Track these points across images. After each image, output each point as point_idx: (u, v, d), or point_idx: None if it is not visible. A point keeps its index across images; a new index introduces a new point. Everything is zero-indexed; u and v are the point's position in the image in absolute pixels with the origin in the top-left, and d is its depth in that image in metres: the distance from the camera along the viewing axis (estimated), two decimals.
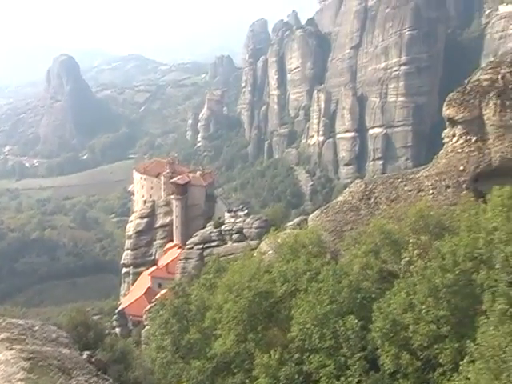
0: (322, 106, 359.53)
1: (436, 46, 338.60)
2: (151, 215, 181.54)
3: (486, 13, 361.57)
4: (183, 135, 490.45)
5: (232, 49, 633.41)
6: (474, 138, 51.08)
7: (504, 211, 36.99)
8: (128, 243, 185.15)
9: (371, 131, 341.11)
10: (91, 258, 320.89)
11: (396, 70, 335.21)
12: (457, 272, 35.88)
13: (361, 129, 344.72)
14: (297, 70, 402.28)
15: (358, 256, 42.68)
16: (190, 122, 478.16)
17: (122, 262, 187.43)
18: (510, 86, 50.03)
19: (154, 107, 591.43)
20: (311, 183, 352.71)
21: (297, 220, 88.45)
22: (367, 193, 54.76)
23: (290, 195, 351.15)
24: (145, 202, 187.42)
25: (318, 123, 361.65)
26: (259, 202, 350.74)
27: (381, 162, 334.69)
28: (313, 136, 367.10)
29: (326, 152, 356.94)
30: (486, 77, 51.94)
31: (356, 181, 61.32)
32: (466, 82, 53.86)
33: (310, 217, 59.50)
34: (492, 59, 63.72)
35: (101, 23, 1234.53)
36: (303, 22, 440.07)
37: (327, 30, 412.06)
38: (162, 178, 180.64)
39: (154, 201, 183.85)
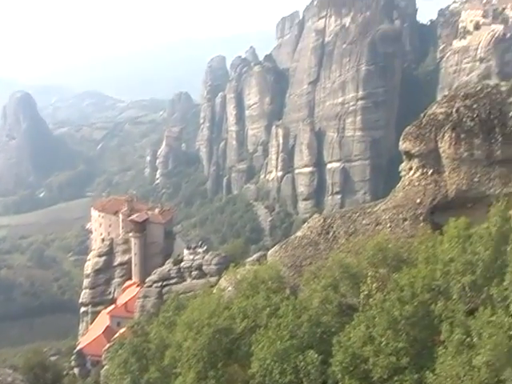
0: (281, 141, 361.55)
1: (392, 80, 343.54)
2: (109, 253, 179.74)
3: (441, 47, 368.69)
4: (141, 172, 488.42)
5: (190, 85, 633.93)
6: (431, 171, 51.77)
7: (460, 242, 37.52)
8: (86, 282, 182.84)
9: (329, 165, 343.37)
10: (48, 298, 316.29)
11: (353, 105, 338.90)
12: (415, 304, 36.21)
13: (319, 163, 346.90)
14: (255, 105, 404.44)
15: (317, 290, 42.81)
16: (148, 158, 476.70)
17: (80, 301, 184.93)
18: (464, 120, 50.93)
19: (111, 144, 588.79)
20: (270, 218, 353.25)
21: (256, 256, 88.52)
22: (326, 227, 55.04)
23: (249, 231, 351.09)
24: (103, 240, 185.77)
25: (277, 158, 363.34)
26: (218, 238, 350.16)
27: (339, 196, 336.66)
28: (271, 171, 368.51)
29: (284, 187, 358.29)
30: (441, 110, 52.84)
31: (314, 215, 61.58)
32: (421, 115, 54.67)
33: (269, 252, 59.53)
34: (447, 93, 64.75)
35: (58, 59, 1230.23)
36: (261, 57, 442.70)
37: (285, 65, 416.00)
38: (121, 215, 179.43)
39: (112, 239, 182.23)
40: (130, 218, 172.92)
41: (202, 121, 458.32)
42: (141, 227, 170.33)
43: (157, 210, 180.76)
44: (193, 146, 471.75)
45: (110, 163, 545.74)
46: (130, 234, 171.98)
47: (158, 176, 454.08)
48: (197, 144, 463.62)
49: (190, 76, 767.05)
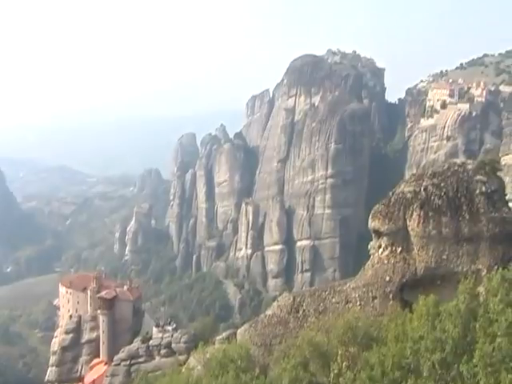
0: (250, 218, 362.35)
1: (361, 158, 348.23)
2: (77, 330, 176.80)
3: (409, 126, 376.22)
4: (111, 248, 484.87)
5: (160, 162, 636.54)
6: (400, 249, 52.03)
7: (429, 320, 37.57)
8: (53, 359, 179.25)
9: (299, 243, 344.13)
10: (13, 375, 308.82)
11: (323, 183, 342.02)
12: (385, 382, 35.99)
13: (289, 241, 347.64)
14: (225, 183, 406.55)
15: (287, 369, 42.37)
16: (117, 234, 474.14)
17: (46, 378, 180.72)
18: (432, 198, 51.49)
19: (81, 219, 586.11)
20: (240, 296, 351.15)
21: (225, 334, 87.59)
22: (295, 306, 54.81)
23: (219, 308, 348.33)
24: (71, 316, 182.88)
25: (247, 236, 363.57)
26: (187, 315, 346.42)
27: (309, 273, 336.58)
28: (241, 249, 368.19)
29: (254, 264, 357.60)
30: (410, 189, 53.39)
31: (284, 294, 61.38)
32: (390, 194, 55.18)
33: (239, 331, 59.04)
34: (415, 171, 65.75)
35: (29, 133, 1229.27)
36: (231, 135, 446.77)
37: (255, 143, 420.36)
38: (89, 292, 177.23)
39: (80, 316, 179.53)
40: (99, 294, 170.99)
41: (171, 197, 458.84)
42: (109, 304, 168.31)
43: (125, 287, 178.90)
44: (162, 222, 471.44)
45: (79, 238, 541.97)
46: (98, 311, 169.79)
47: (127, 252, 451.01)
48: (166, 220, 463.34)
49: (161, 152, 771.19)
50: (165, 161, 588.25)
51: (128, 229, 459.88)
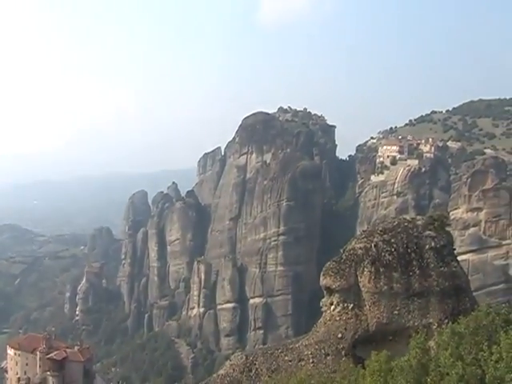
0: (203, 277, 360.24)
1: (313, 215, 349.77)
2: None
3: (360, 182, 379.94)
4: (61, 308, 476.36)
5: (111, 220, 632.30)
6: (351, 306, 52.22)
7: (382, 376, 37.62)
8: None
9: (252, 301, 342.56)
10: None
11: (275, 240, 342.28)
12: None
13: (241, 299, 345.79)
14: (177, 241, 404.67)
15: None
16: (67, 294, 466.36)
17: None
18: (382, 254, 52.00)
19: (30, 279, 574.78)
20: (192, 355, 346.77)
21: None
22: (248, 365, 54.43)
23: (171, 368, 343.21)
24: (19, 379, 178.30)
25: (199, 294, 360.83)
26: (140, 376, 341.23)
27: (262, 331, 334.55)
28: (193, 307, 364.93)
29: (206, 323, 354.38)
30: (361, 245, 53.86)
31: (236, 353, 60.99)
32: (341, 250, 55.52)
33: None
34: (366, 227, 66.33)
35: None
36: (183, 194, 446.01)
37: (207, 201, 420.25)
38: (38, 353, 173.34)
39: (28, 378, 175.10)
40: (48, 356, 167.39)
41: (123, 256, 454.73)
42: (59, 366, 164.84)
43: (76, 348, 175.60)
44: (114, 281, 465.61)
45: (29, 299, 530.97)
46: (48, 373, 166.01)
47: (77, 312, 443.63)
48: (118, 280, 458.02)
49: (112, 211, 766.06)
50: (116, 219, 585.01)
51: (79, 289, 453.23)
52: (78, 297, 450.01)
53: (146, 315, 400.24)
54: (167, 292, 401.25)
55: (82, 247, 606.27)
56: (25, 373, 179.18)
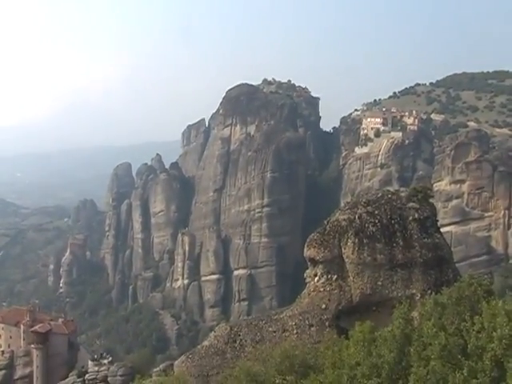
0: (187, 248, 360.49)
1: (297, 187, 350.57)
2: (10, 367, 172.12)
3: (343, 154, 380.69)
4: (45, 281, 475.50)
5: (96, 193, 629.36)
6: (335, 277, 52.44)
7: (365, 346, 37.88)
8: None
9: (236, 272, 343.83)
10: None
11: (259, 212, 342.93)
12: None
13: (225, 270, 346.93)
14: (161, 213, 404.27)
15: None
16: (51, 267, 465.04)
17: None
18: (366, 225, 52.14)
19: (13, 252, 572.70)
20: (177, 327, 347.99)
21: (162, 366, 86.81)
22: (232, 336, 54.62)
23: (156, 340, 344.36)
24: (2, 352, 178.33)
25: (183, 266, 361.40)
26: (124, 348, 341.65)
27: (246, 302, 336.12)
28: (178, 279, 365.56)
29: (191, 295, 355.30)
30: (344, 217, 53.94)
31: (221, 324, 61.25)
32: (325, 222, 55.61)
33: (176, 362, 58.57)
34: (350, 199, 66.51)
35: None
36: (167, 165, 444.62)
37: (191, 173, 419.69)
38: (22, 326, 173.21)
39: (12, 351, 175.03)
40: (32, 328, 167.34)
41: (107, 228, 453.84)
42: (43, 338, 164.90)
43: (60, 320, 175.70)
44: (98, 254, 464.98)
45: (12, 271, 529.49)
46: (32, 346, 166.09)
47: (61, 285, 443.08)
48: (102, 252, 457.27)
49: (96, 183, 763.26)
50: (100, 192, 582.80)
51: (62, 261, 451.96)
52: (61, 269, 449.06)
53: (130, 287, 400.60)
54: (151, 264, 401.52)
55: (66, 219, 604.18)
56: (8, 346, 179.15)
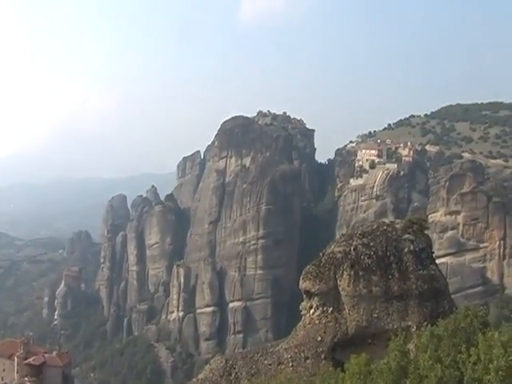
0: (182, 280, 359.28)
1: (292, 219, 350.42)
2: None
3: (339, 186, 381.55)
4: (39, 313, 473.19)
5: (90, 224, 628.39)
6: (331, 309, 52.43)
7: (361, 378, 37.84)
8: None
9: (231, 305, 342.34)
10: None
11: (254, 244, 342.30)
12: None
13: (221, 303, 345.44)
14: (156, 245, 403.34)
15: None
16: (46, 299, 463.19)
17: None
18: (362, 257, 52.26)
19: (7, 284, 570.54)
20: (172, 360, 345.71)
21: None
22: (228, 369, 54.44)
23: (151, 373, 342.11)
24: None
25: (178, 298, 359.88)
26: (119, 380, 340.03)
27: (241, 335, 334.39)
28: (173, 311, 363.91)
29: (186, 327, 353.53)
30: (340, 249, 54.09)
31: (216, 357, 61.01)
32: (320, 254, 55.70)
33: None
34: (345, 231, 66.70)
35: None
36: (162, 197, 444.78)
37: (186, 205, 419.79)
38: (16, 359, 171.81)
39: None
40: (26, 361, 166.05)
41: (102, 260, 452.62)
42: (37, 371, 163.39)
43: (54, 353, 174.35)
44: (93, 286, 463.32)
45: (6, 303, 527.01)
46: (26, 379, 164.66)
47: (56, 317, 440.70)
48: (97, 284, 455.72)
49: (90, 215, 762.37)
50: (95, 223, 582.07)
51: (57, 293, 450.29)
52: (56, 301, 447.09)
53: (125, 319, 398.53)
54: (146, 296, 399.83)
55: (61, 251, 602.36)
56: (2, 378, 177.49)
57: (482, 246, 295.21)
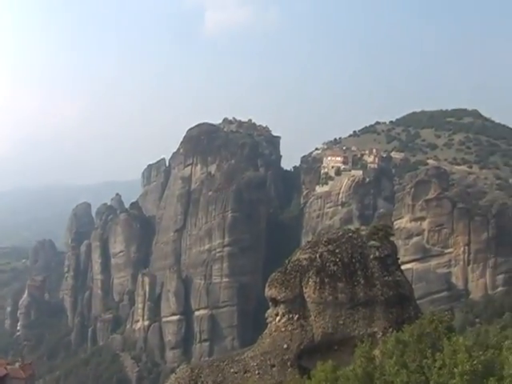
0: (147, 289, 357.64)
1: (258, 226, 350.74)
2: None
3: (304, 193, 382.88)
4: (1, 324, 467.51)
5: (53, 233, 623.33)
6: (297, 316, 52.48)
7: None
8: None
9: (197, 313, 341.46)
10: None
11: (220, 252, 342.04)
12: None
13: (186, 311, 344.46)
14: (121, 253, 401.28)
15: None
16: (8, 309, 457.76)
17: None
18: (327, 264, 52.45)
19: None
20: (137, 369, 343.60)
21: None
22: (193, 377, 54.23)
23: (116, 383, 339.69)
24: None
25: (143, 307, 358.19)
26: None
27: (207, 343, 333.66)
28: (138, 320, 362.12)
29: (151, 336, 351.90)
30: (305, 256, 54.24)
31: (182, 365, 60.86)
32: (286, 261, 55.82)
33: None
34: (311, 237, 66.90)
35: None
36: (127, 205, 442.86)
37: (151, 213, 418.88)
38: None
39: None
40: None
41: (66, 269, 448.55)
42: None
43: (17, 364, 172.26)
44: (57, 295, 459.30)
45: None
46: None
47: (19, 327, 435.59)
48: (61, 293, 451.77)
49: (54, 224, 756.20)
50: (58, 232, 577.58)
51: (20, 303, 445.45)
52: (19, 311, 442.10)
53: (90, 329, 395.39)
54: (111, 305, 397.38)
55: (24, 260, 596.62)
56: None
57: (446, 251, 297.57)
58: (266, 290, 54.98)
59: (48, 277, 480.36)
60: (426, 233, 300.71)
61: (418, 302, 56.74)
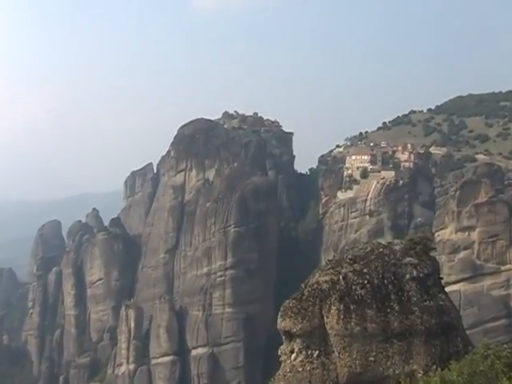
0: (132, 325, 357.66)
1: (267, 243, 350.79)
2: None
3: (323, 201, 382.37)
4: None
5: (14, 260, 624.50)
6: (317, 353, 52.18)
7: None
8: None
9: (194, 352, 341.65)
10: None
11: (221, 276, 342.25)
12: None
13: (181, 350, 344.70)
14: (99, 282, 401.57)
15: None
16: None
17: None
18: (353, 288, 52.15)
19: None
20: None
21: None
22: None
23: None
24: None
25: (128, 347, 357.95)
26: None
27: None
28: (121, 364, 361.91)
29: (138, 383, 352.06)
30: (326, 278, 53.90)
31: None
32: (302, 285, 55.63)
33: None
34: (332, 256, 66.60)
35: None
36: (106, 222, 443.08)
37: (136, 231, 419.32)
38: None
39: None
40: None
41: (30, 304, 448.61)
42: None
43: None
44: (18, 337, 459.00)
45: None
46: None
47: None
48: (24, 335, 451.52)
49: (15, 248, 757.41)
50: (20, 258, 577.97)
51: None
52: None
53: (61, 377, 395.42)
54: (88, 346, 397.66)
55: None
56: None
57: (503, 268, 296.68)
58: (279, 321, 54.74)
59: (7, 315, 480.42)
60: (476, 245, 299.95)
61: (467, 332, 56.43)
